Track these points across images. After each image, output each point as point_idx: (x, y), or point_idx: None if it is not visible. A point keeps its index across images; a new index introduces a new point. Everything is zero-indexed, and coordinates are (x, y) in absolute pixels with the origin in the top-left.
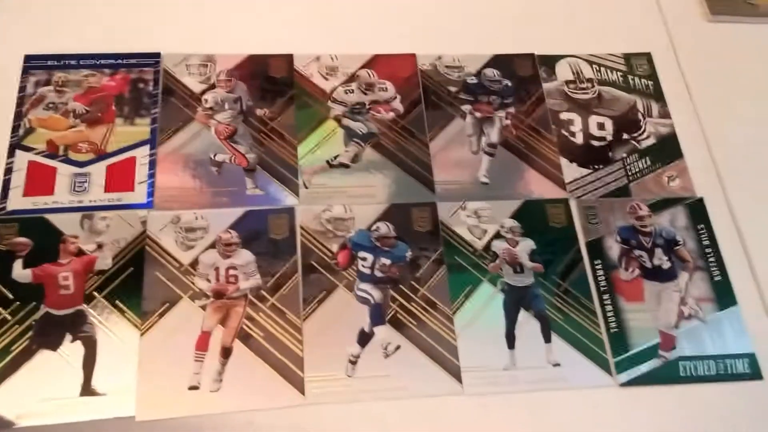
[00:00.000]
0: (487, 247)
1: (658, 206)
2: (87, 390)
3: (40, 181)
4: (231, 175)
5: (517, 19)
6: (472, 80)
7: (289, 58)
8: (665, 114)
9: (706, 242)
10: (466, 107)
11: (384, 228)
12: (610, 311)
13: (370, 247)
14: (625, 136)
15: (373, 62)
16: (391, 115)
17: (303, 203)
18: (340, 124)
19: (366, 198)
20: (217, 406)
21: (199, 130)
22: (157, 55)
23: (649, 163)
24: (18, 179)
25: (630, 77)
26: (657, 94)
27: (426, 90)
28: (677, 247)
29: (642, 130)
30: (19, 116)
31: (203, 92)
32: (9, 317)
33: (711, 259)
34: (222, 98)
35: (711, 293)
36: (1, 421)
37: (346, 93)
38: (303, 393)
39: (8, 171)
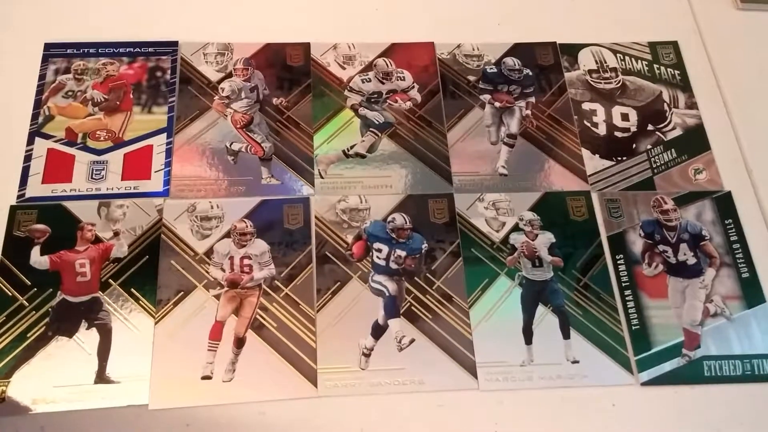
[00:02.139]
0: (505, 240)
1: (683, 200)
2: (101, 377)
3: (58, 168)
4: (247, 165)
5: (538, 6)
6: (492, 69)
7: (306, 47)
8: (692, 105)
9: (734, 237)
10: (485, 97)
11: (400, 219)
12: (632, 308)
13: (385, 239)
14: (650, 127)
15: (391, 51)
16: (409, 104)
17: (318, 193)
18: (356, 114)
19: (382, 189)
20: (229, 396)
21: (216, 118)
22: (175, 43)
23: (674, 155)
24: (37, 166)
25: (655, 66)
26: (684, 84)
27: (444, 79)
28: (703, 243)
29: (668, 121)
30: (38, 104)
31: (220, 81)
32: (26, 303)
33: (739, 255)
34: (239, 87)
35: (738, 290)
36: (16, 406)
37: (363, 82)
38: (315, 385)
39: (28, 158)
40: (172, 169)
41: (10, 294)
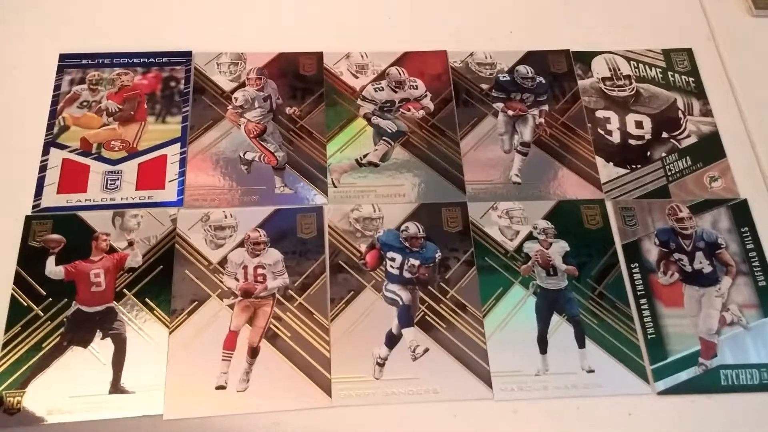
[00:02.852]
0: (519, 249)
1: (699, 208)
2: (116, 387)
3: (73, 178)
4: (260, 174)
5: (551, 14)
6: (505, 77)
7: (318, 56)
8: (707, 112)
9: (750, 246)
10: (498, 105)
11: (413, 228)
12: (647, 316)
13: (398, 248)
14: (665, 134)
15: (404, 59)
16: (422, 113)
17: (332, 202)
18: (369, 123)
19: (395, 197)
20: (243, 406)
21: (229, 128)
22: (188, 53)
23: (689, 162)
24: (52, 177)
25: (670, 74)
26: (698, 92)
27: (457, 87)
28: (719, 251)
29: (682, 128)
30: (53, 114)
31: (233, 90)
32: (41, 313)
33: (755, 264)
34: (252, 96)
35: (755, 299)
36: (31, 416)
37: (376, 91)
38: (330, 395)
39: (43, 168)
40: (186, 179)
41: (26, 304)
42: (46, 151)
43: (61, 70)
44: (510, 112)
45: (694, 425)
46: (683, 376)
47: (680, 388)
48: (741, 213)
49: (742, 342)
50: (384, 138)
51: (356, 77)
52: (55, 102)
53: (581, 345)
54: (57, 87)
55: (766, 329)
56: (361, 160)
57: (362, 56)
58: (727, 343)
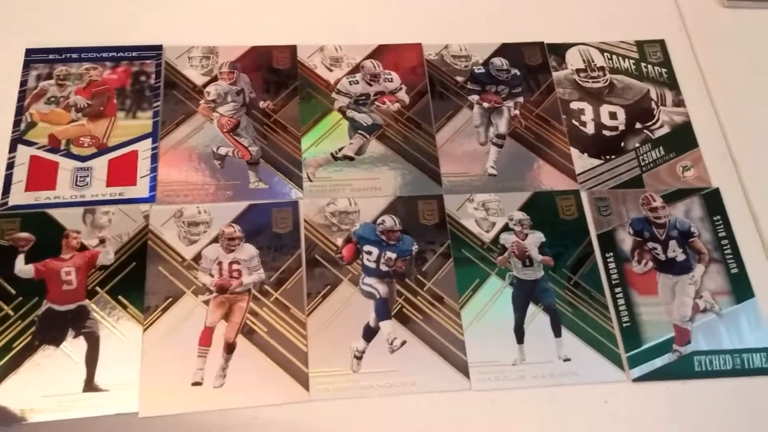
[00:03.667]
0: (496, 240)
1: (672, 197)
2: (90, 386)
3: (41, 175)
4: (234, 169)
5: (525, 6)
6: (480, 70)
7: (292, 49)
8: (679, 102)
9: (722, 234)
10: (474, 97)
11: (389, 221)
12: (622, 305)
13: (375, 241)
14: (638, 125)
15: (378, 52)
16: (397, 106)
17: (307, 196)
18: (344, 116)
19: (371, 191)
20: (220, 402)
21: (202, 123)
22: (159, 47)
23: (662, 152)
24: (20, 174)
25: (643, 65)
26: (671, 83)
27: (432, 80)
28: (692, 239)
29: (655, 119)
30: (20, 110)
31: (205, 84)
32: (11, 313)
33: (727, 251)
34: (224, 90)
35: (727, 286)
36: (4, 417)
37: (351, 84)
38: (307, 389)
39: (10, 166)
40: (158, 175)
41: None
42: (13, 148)
43: (27, 66)
44: (485, 105)
45: (669, 411)
46: (658, 362)
47: (655, 374)
48: (713, 202)
49: (715, 328)
50: (359, 131)
51: (331, 70)
52: (21, 98)
53: (557, 334)
54: (23, 83)
55: (739, 316)
56: (337, 153)
57: (336, 49)
58: (700, 330)
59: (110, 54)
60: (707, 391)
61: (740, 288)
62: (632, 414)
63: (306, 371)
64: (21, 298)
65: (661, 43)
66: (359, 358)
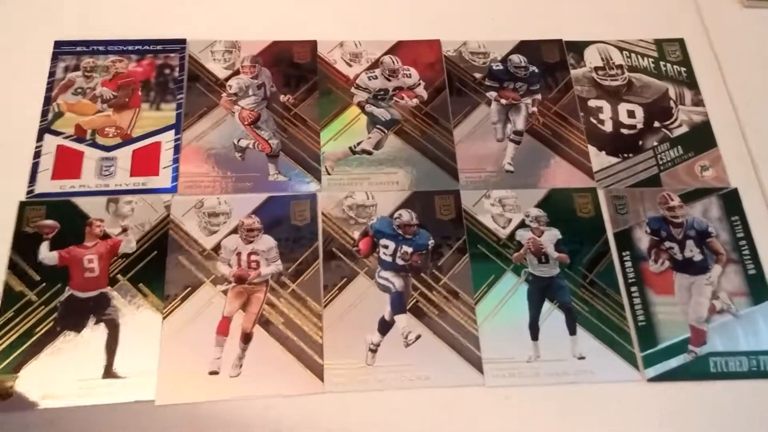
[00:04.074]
0: (512, 237)
1: (690, 196)
2: (109, 372)
3: (67, 164)
4: (254, 161)
5: (544, 3)
6: (498, 66)
7: (312, 44)
8: (698, 102)
9: (740, 234)
10: (492, 94)
11: (406, 215)
12: (638, 304)
13: (392, 235)
14: (657, 124)
15: (397, 48)
16: (415, 101)
17: (325, 190)
18: (363, 111)
19: (388, 185)
20: (236, 391)
21: (223, 115)
22: (183, 41)
23: (681, 152)
24: (46, 163)
25: (662, 63)
26: (690, 81)
27: (450, 76)
28: (709, 239)
29: (674, 118)
30: (48, 101)
31: (227, 78)
32: (35, 298)
33: (745, 252)
34: (246, 84)
35: (744, 287)
36: (24, 401)
37: (370, 79)
38: (322, 380)
39: (37, 155)
40: (180, 166)
41: (19, 289)
42: (40, 138)
43: (55, 57)
44: (503, 101)
45: (683, 412)
46: (673, 363)
47: (670, 375)
48: (731, 202)
49: (732, 330)
50: (377, 126)
51: (350, 66)
52: (49, 89)
53: (572, 332)
54: (51, 74)
55: (756, 317)
56: (355, 147)
57: (356, 45)
58: (716, 331)
59: (136, 47)
60: (722, 392)
61: (758, 289)
62: (646, 414)
63: (321, 363)
64: (44, 284)
65: (681, 42)
66: (374, 351)
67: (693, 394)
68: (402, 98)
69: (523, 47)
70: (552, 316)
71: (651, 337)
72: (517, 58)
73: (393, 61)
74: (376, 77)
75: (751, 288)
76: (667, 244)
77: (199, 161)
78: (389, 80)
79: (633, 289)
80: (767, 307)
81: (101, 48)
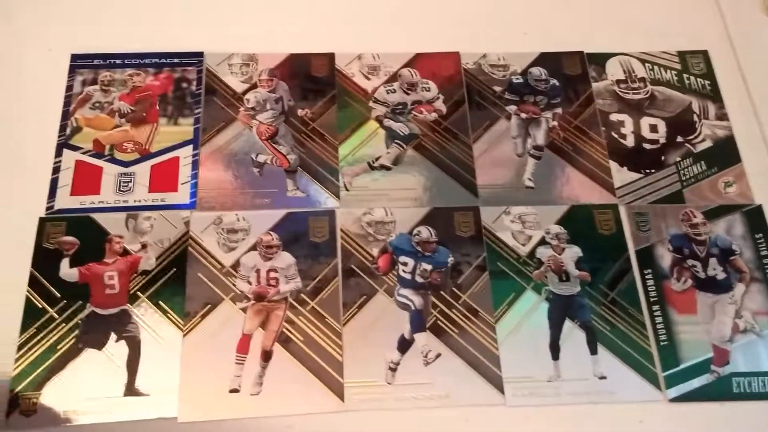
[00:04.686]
0: (532, 254)
1: (713, 213)
2: (131, 390)
3: (86, 180)
4: (272, 177)
5: (565, 15)
6: (518, 79)
7: (330, 57)
8: (722, 116)
9: (765, 252)
10: (511, 108)
11: (425, 232)
12: (660, 323)
13: (411, 252)
14: (679, 138)
15: (416, 61)
16: (434, 115)
17: (344, 206)
18: (381, 125)
19: (407, 201)
20: (257, 409)
21: (241, 130)
22: (200, 54)
23: (704, 167)
24: (65, 178)
25: (685, 76)
26: (714, 95)
27: (470, 90)
28: (733, 257)
29: (697, 132)
30: (66, 115)
31: (245, 92)
32: (56, 315)
33: None
34: (264, 98)
35: None
36: (47, 418)
37: (388, 93)
38: (342, 399)
39: (56, 170)
40: (199, 181)
41: (41, 306)
42: (59, 153)
43: (72, 71)
44: (523, 115)
45: None
46: (695, 383)
47: (692, 395)
48: (755, 219)
49: (755, 349)
50: (396, 141)
51: (368, 79)
52: (67, 103)
53: (593, 351)
54: (69, 88)
55: None
56: (374, 163)
57: (374, 57)
58: (739, 351)
59: (153, 60)
60: (745, 413)
61: None
62: None
63: (341, 381)
64: (65, 302)
65: (704, 54)
66: (394, 370)
67: (715, 415)
68: (421, 112)
69: (543, 59)
70: (573, 335)
71: (673, 356)
72: (537, 71)
73: (411, 75)
74: (394, 91)
75: None
76: (690, 262)
77: (217, 177)
78: (408, 94)
79: (655, 307)
80: None
81: (118, 61)
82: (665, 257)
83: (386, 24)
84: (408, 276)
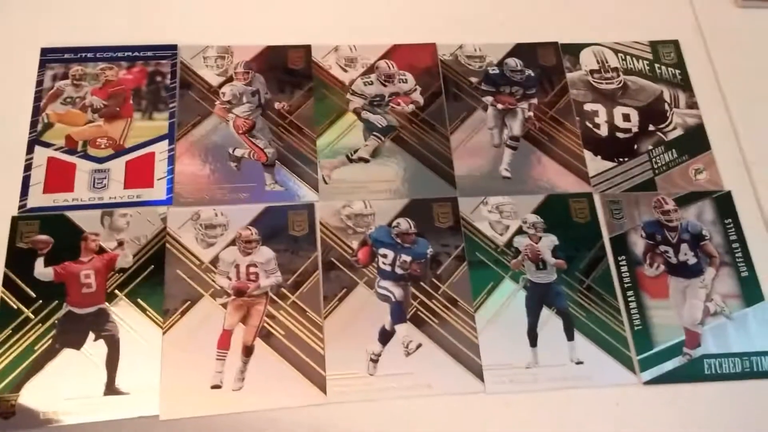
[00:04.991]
0: (509, 243)
1: (684, 200)
2: (111, 389)
3: (59, 177)
4: (250, 171)
5: (539, 6)
6: (494, 70)
7: (307, 49)
8: (693, 104)
9: (733, 237)
10: (488, 99)
11: (404, 224)
12: (634, 308)
13: (390, 244)
14: (651, 127)
15: (393, 52)
16: (411, 107)
17: (323, 199)
18: (359, 118)
19: (386, 193)
20: (239, 405)
21: (218, 124)
22: (174, 47)
23: (675, 155)
24: (38, 176)
25: (656, 66)
26: (684, 84)
27: (446, 81)
28: (703, 243)
29: (668, 121)
30: (37, 111)
31: (221, 85)
32: (32, 316)
33: (738, 255)
34: (240, 91)
35: (737, 289)
36: (26, 420)
37: (365, 85)
38: (325, 392)
39: (28, 167)
40: (175, 177)
41: (16, 307)
42: (30, 150)
43: (43, 65)
44: (499, 106)
45: (679, 414)
46: (668, 366)
47: (665, 377)
48: (725, 205)
49: (725, 331)
50: (374, 133)
51: (345, 71)
52: (38, 98)
53: (570, 337)
54: (39, 83)
55: (748, 319)
56: (352, 155)
57: (351, 49)
58: (710, 333)
59: (125, 53)
60: (717, 394)
61: (750, 291)
62: (643, 417)
63: (323, 374)
64: (41, 302)
65: (675, 44)
66: (375, 361)
67: (688, 396)
68: (398, 104)
69: (519, 50)
70: (550, 322)
71: (647, 340)
72: (513, 62)
73: (389, 66)
74: (371, 83)
75: (744, 290)
76: (662, 248)
77: (194, 172)
78: (385, 86)
79: (629, 293)
80: (759, 309)
81: (90, 55)
82: (638, 244)
83: (363, 15)
84: (388, 268)
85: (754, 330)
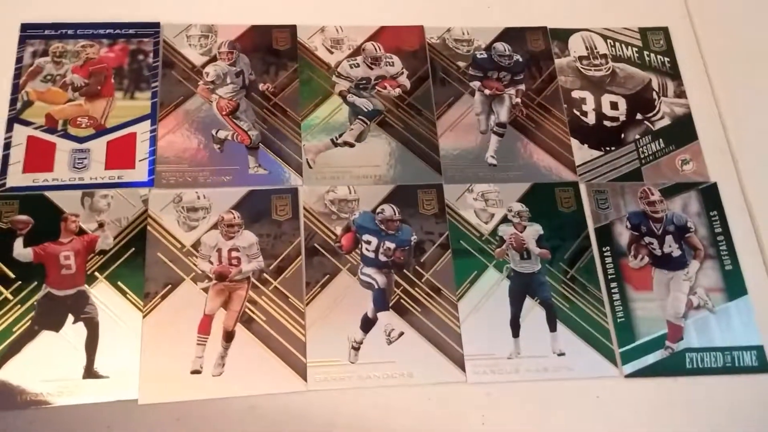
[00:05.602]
0: (494, 232)
1: (670, 191)
2: (90, 372)
3: (39, 156)
4: (233, 153)
5: None
6: (482, 55)
7: (292, 30)
8: (681, 93)
9: (718, 229)
10: (475, 84)
11: (389, 210)
12: (617, 300)
13: (374, 230)
14: (639, 116)
15: (380, 34)
16: (398, 91)
17: (307, 183)
18: (345, 101)
19: (371, 178)
20: (219, 390)
21: (201, 104)
22: (157, 24)
23: (662, 145)
24: (17, 154)
25: (645, 53)
26: (673, 72)
27: (434, 65)
28: (688, 235)
29: (656, 110)
30: (16, 88)
31: (204, 65)
32: (10, 297)
33: (722, 248)
34: (223, 71)
35: (721, 283)
36: (4, 401)
37: (352, 67)
38: (305, 379)
39: (7, 146)
40: (157, 158)
41: None
42: (9, 128)
43: (23, 41)
44: (487, 92)
45: (659, 407)
46: (650, 359)
47: (647, 371)
48: (710, 196)
49: (708, 325)
50: (360, 117)
51: (331, 53)
52: (17, 75)
53: (553, 328)
54: (19, 59)
55: (731, 313)
56: (337, 139)
57: (337, 30)
58: (693, 327)
59: (107, 31)
60: (698, 388)
61: (734, 285)
62: (623, 410)
63: (304, 361)
64: (20, 282)
65: (665, 31)
66: (357, 349)
67: (669, 390)
68: (385, 87)
69: (507, 34)
70: (533, 312)
71: (629, 333)
72: (501, 47)
73: (375, 49)
74: (358, 65)
75: (728, 284)
76: (647, 239)
77: (176, 153)
78: (371, 68)
79: (613, 285)
80: (742, 303)
81: (70, 32)
82: (623, 235)
83: None
84: (371, 255)
85: (737, 324)
